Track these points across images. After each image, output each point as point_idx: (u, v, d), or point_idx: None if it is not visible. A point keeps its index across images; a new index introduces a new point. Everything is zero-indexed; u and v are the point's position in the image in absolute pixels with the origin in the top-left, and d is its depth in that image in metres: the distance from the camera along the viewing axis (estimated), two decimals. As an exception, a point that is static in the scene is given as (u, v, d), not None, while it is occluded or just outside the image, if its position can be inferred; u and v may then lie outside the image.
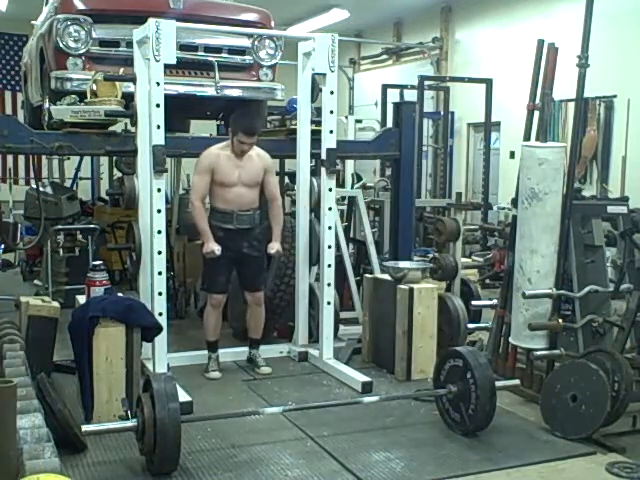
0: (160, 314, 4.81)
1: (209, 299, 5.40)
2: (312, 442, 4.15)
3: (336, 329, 5.73)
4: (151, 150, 4.76)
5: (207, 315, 5.40)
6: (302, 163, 5.60)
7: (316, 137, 5.47)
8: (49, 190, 8.08)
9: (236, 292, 6.61)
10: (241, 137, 5.05)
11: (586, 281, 4.78)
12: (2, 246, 8.72)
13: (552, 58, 5.03)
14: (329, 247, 5.42)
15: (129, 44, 5.34)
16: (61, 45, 5.83)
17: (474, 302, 6.00)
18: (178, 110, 5.71)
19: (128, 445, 4.00)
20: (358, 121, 10.80)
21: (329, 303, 5.45)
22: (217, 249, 5.07)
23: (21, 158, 12.82)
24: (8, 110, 13.50)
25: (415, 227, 8.12)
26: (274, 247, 5.32)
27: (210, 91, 6.09)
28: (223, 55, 6.28)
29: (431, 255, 6.81)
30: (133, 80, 5.07)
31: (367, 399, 4.54)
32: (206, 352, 5.46)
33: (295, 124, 5.75)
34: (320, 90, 5.41)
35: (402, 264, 5.66)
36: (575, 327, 4.74)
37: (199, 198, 5.16)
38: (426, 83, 11.23)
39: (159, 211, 4.80)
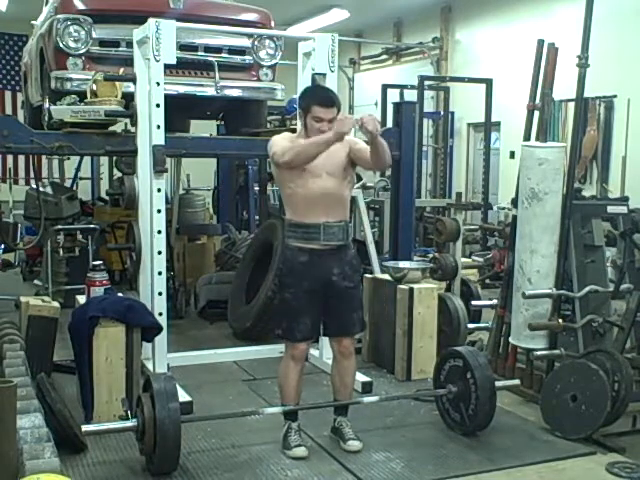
0: (160, 314, 4.80)
1: (288, 349, 4.06)
2: (312, 442, 4.15)
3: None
4: (151, 150, 4.75)
5: (285, 371, 4.06)
6: (302, 163, 5.59)
7: (316, 137, 5.46)
8: (49, 190, 8.07)
9: (236, 292, 6.63)
10: (317, 111, 3.84)
11: (586, 281, 4.78)
12: (2, 246, 8.72)
13: (552, 58, 5.03)
14: (329, 247, 5.36)
15: (129, 44, 5.34)
16: (61, 45, 5.83)
17: (474, 302, 6.00)
18: (178, 110, 5.71)
19: (128, 445, 4.00)
20: (358, 121, 10.78)
21: (329, 303, 5.40)
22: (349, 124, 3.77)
23: (21, 158, 12.81)
24: (8, 110, 13.48)
25: (415, 227, 8.13)
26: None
27: (210, 91, 6.09)
28: (223, 55, 6.27)
29: (431, 255, 6.81)
30: (133, 80, 5.07)
31: (367, 399, 4.53)
32: (206, 352, 5.43)
33: (295, 124, 5.75)
34: (320, 90, 5.40)
35: (402, 264, 5.66)
36: (575, 327, 4.74)
37: (287, 154, 3.84)
38: (426, 83, 11.24)
39: (159, 211, 4.80)
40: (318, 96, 3.98)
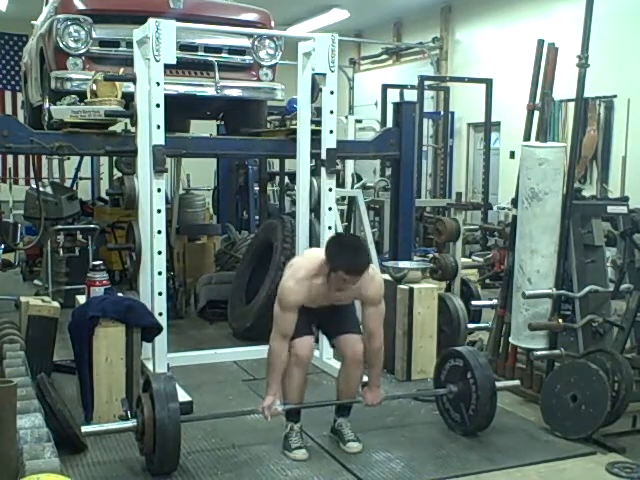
0: (160, 314, 4.80)
1: (291, 352, 4.01)
2: (312, 442, 4.16)
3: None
4: (151, 150, 4.75)
5: (289, 373, 4.04)
6: (302, 163, 5.59)
7: (316, 137, 5.46)
8: (49, 190, 8.08)
9: (236, 292, 6.63)
10: (343, 276, 3.83)
11: (586, 281, 4.78)
12: (2, 246, 8.72)
13: (552, 58, 5.03)
14: (329, 247, 5.36)
15: (129, 44, 5.34)
16: (61, 45, 5.83)
17: (474, 302, 6.00)
18: (178, 110, 5.71)
19: (128, 445, 4.00)
20: (358, 121, 10.81)
21: (329, 303, 5.39)
22: (280, 408, 3.98)
23: (21, 158, 12.82)
24: (8, 110, 13.50)
25: (415, 227, 8.13)
26: (367, 397, 4.17)
27: (210, 91, 6.10)
28: (223, 55, 6.28)
29: (431, 255, 6.81)
30: (133, 80, 5.07)
31: (367, 399, 4.52)
32: (206, 352, 5.40)
33: (295, 124, 5.74)
34: (320, 90, 5.40)
35: (402, 264, 5.65)
36: (575, 327, 4.74)
37: (281, 338, 3.93)
38: (426, 83, 11.24)
39: (159, 211, 4.79)
40: (349, 262, 3.82)
